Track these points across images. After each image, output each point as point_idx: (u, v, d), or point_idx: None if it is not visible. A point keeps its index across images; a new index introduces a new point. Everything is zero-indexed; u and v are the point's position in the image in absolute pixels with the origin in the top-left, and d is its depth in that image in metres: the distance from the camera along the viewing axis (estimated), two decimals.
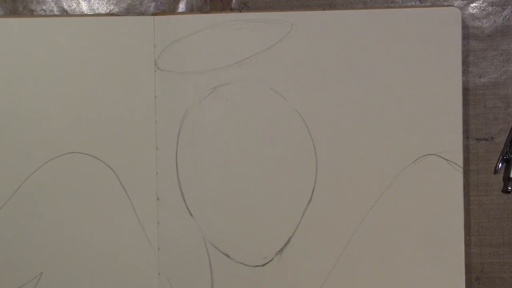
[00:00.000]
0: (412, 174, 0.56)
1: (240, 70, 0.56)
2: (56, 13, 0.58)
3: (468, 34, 0.57)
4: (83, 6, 0.59)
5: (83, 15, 0.58)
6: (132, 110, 0.56)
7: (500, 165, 0.57)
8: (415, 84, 0.56)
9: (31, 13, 0.58)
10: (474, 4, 0.58)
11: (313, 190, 0.56)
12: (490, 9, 0.58)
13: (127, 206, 0.56)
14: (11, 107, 0.56)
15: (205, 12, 0.57)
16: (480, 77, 0.58)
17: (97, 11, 0.59)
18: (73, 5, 0.59)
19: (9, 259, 0.56)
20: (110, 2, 0.59)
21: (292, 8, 0.58)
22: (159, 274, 0.56)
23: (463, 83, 0.57)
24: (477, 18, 0.58)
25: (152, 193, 0.56)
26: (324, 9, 0.57)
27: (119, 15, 0.58)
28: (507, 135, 0.58)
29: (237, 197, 0.56)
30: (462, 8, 0.58)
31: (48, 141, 0.56)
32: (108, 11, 0.59)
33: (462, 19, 0.57)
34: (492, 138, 0.58)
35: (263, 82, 0.56)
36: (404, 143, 0.56)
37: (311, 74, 0.56)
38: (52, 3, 0.58)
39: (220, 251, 0.56)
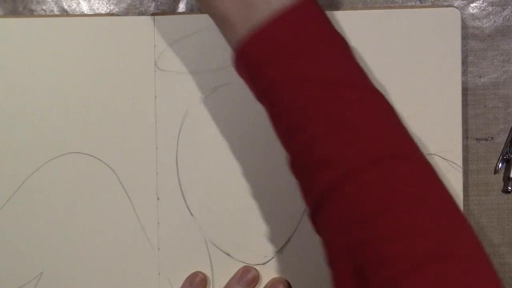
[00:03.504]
0: None
1: None
2: (56, 13, 0.58)
3: (468, 34, 0.58)
4: (83, 6, 0.59)
5: (83, 15, 0.58)
6: (132, 110, 0.56)
7: (500, 165, 0.57)
8: (415, 84, 0.56)
9: (31, 13, 0.58)
10: (474, 4, 0.58)
11: None
12: (490, 9, 0.58)
13: (127, 206, 0.56)
14: (11, 107, 0.56)
15: (205, 12, 0.57)
16: (480, 77, 0.58)
17: (97, 11, 0.59)
18: (73, 5, 0.59)
19: (9, 259, 0.56)
20: (110, 2, 0.59)
21: None
22: (159, 274, 0.56)
23: (463, 83, 0.57)
24: (477, 18, 0.58)
25: (152, 193, 0.56)
26: (324, 10, 0.57)
27: (119, 15, 0.58)
28: (507, 135, 0.58)
29: (238, 196, 0.56)
30: (462, 8, 0.58)
31: (48, 141, 0.56)
32: (108, 11, 0.59)
33: (462, 19, 0.57)
34: (492, 138, 0.58)
35: None
36: None
37: None
38: (52, 3, 0.58)
39: (221, 250, 0.56)
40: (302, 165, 0.41)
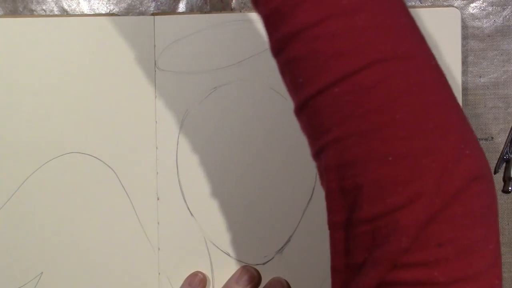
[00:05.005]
0: None
1: (240, 70, 0.56)
2: (56, 13, 0.58)
3: (468, 34, 0.57)
4: (83, 6, 0.59)
5: (83, 15, 0.58)
6: (132, 110, 0.56)
7: (500, 165, 0.57)
8: None
9: (31, 13, 0.58)
10: (474, 4, 0.58)
11: (314, 189, 0.56)
12: (490, 9, 0.58)
13: (127, 206, 0.56)
14: (11, 107, 0.56)
15: (205, 12, 0.57)
16: (480, 77, 0.58)
17: (97, 11, 0.59)
18: (73, 5, 0.59)
19: (9, 259, 0.56)
20: (110, 2, 0.59)
21: None
22: (159, 274, 0.56)
23: (463, 83, 0.57)
24: (477, 18, 0.58)
25: (152, 193, 0.56)
26: None
27: (119, 15, 0.58)
28: (507, 135, 0.58)
29: (238, 196, 0.56)
30: (462, 8, 0.58)
31: (48, 141, 0.56)
32: (108, 11, 0.59)
33: (462, 19, 0.57)
34: (492, 138, 0.58)
35: (263, 82, 0.56)
36: None
37: None
38: (52, 3, 0.58)
39: (221, 250, 0.56)
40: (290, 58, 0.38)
